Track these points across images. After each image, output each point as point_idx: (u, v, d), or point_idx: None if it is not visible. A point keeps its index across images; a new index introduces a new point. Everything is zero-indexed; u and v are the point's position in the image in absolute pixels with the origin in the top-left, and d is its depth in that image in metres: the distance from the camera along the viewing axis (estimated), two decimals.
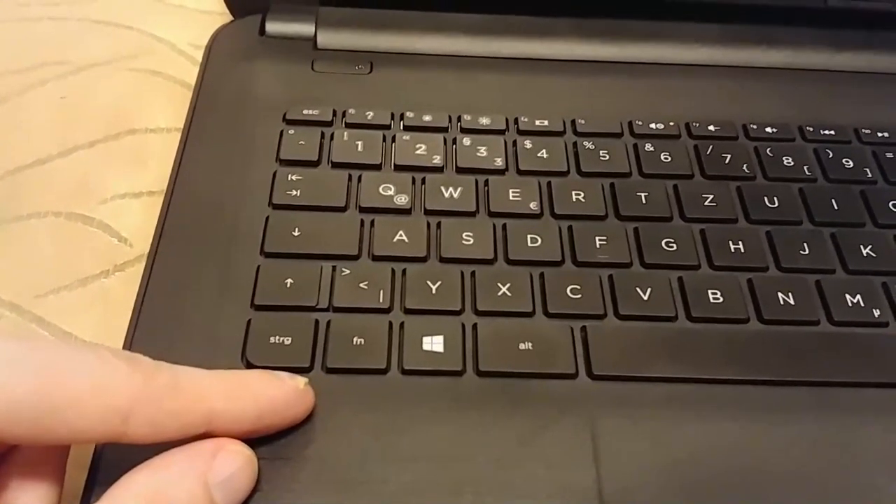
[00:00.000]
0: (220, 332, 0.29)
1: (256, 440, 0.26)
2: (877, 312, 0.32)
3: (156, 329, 0.30)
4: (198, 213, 0.33)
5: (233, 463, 0.24)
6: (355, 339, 0.29)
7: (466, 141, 0.37)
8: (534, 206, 0.34)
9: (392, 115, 0.37)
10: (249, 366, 0.29)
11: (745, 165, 0.36)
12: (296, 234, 0.32)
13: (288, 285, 0.31)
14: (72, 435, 0.23)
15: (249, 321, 0.30)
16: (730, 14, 0.42)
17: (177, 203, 0.34)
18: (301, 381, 0.27)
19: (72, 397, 0.22)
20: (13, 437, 0.22)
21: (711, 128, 0.38)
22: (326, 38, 0.41)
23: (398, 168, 0.35)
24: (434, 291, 0.31)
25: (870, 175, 0.37)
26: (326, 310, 0.30)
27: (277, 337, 0.29)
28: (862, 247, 0.34)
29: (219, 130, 0.37)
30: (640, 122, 0.38)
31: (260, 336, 0.29)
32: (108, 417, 0.22)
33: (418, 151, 0.36)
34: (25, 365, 0.22)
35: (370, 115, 0.37)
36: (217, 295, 0.31)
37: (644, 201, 0.35)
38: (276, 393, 0.26)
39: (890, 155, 0.38)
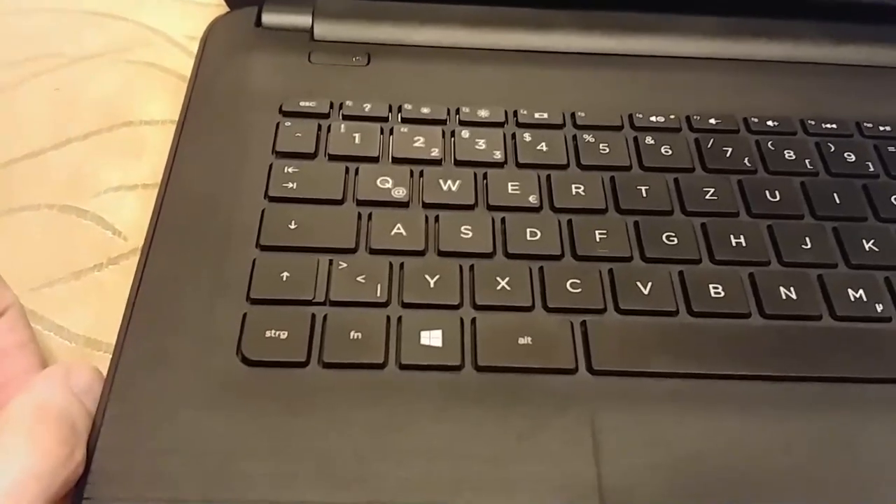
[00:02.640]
0: (215, 326, 0.29)
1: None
2: (879, 307, 0.31)
3: (150, 323, 0.29)
4: (193, 206, 0.33)
5: (87, 374, 0.27)
6: (352, 334, 0.29)
7: (465, 133, 0.36)
8: (533, 199, 0.34)
9: (390, 108, 0.37)
10: (245, 360, 0.28)
11: (746, 159, 0.36)
12: (292, 227, 0.32)
13: (284, 279, 0.30)
14: None
15: (245, 315, 0.29)
16: (731, 6, 0.42)
17: (171, 196, 0.33)
18: None
19: None
20: None
21: (712, 121, 0.38)
22: (323, 30, 0.40)
23: (396, 161, 0.35)
24: (432, 285, 0.31)
25: (872, 169, 0.36)
26: (323, 304, 0.30)
27: (273, 331, 0.29)
28: (864, 241, 0.33)
29: (214, 122, 0.36)
30: (640, 115, 0.37)
31: (256, 330, 0.29)
32: None
33: (416, 144, 0.36)
34: None
35: (368, 107, 0.37)
36: (212, 288, 0.30)
37: (644, 195, 0.34)
38: None
39: (892, 149, 0.37)
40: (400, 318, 0.30)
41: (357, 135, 0.36)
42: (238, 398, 0.27)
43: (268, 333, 0.29)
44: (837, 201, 0.35)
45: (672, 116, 0.38)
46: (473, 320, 0.30)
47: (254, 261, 0.31)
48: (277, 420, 0.27)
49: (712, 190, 0.35)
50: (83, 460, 0.25)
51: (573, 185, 0.34)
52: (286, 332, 0.29)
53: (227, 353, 0.28)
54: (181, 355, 0.28)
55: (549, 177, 0.35)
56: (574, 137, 0.36)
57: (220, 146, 0.35)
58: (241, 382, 0.28)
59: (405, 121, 0.37)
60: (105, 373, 0.28)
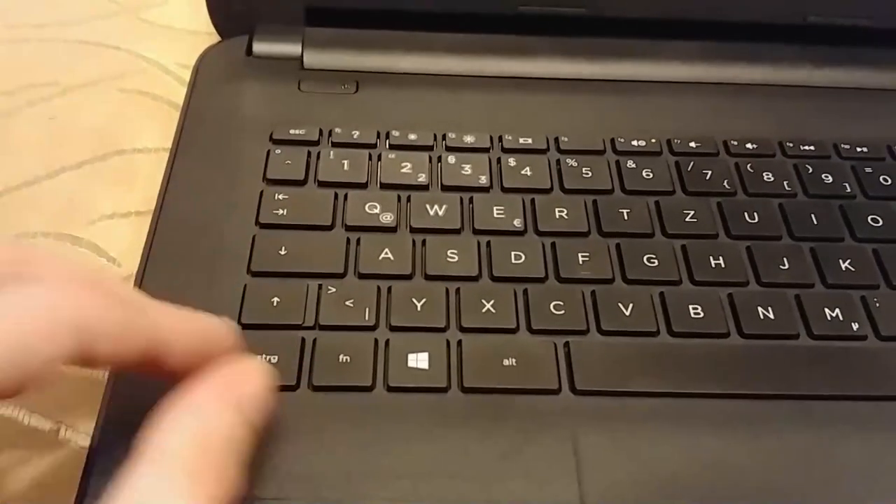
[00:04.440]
0: None
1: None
2: (855, 326, 0.32)
3: None
4: (185, 233, 0.34)
5: (257, 380, 0.25)
6: (341, 357, 0.30)
7: (451, 159, 0.37)
8: (518, 223, 0.35)
9: (378, 134, 0.38)
10: None
11: (725, 181, 0.37)
12: (282, 252, 0.33)
13: (274, 304, 0.31)
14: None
15: None
16: (710, 31, 0.43)
17: (164, 223, 0.34)
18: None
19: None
20: None
21: (692, 144, 0.38)
22: (313, 58, 0.41)
23: (384, 186, 0.36)
24: (419, 308, 0.31)
25: (849, 190, 0.37)
26: (313, 328, 0.31)
27: (264, 356, 0.29)
28: (841, 261, 0.34)
29: (206, 150, 0.37)
30: (622, 140, 0.38)
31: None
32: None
33: (404, 170, 0.36)
34: None
35: (356, 134, 0.38)
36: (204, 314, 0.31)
37: (626, 217, 0.35)
38: (213, 324, 0.26)
39: (869, 169, 0.38)
40: (388, 342, 0.30)
41: (346, 161, 0.36)
42: None
43: (258, 358, 0.29)
44: (815, 222, 0.36)
45: (653, 140, 0.38)
46: (459, 342, 0.31)
47: (245, 286, 0.32)
48: (267, 442, 0.27)
49: (692, 212, 0.35)
50: (242, 483, 0.23)
51: (557, 209, 0.35)
52: (276, 357, 0.29)
53: None
54: None
55: (533, 201, 0.36)
56: (558, 162, 0.37)
57: (212, 174, 0.36)
58: None
59: (393, 147, 0.37)
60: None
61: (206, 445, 0.22)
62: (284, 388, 0.29)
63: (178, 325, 0.25)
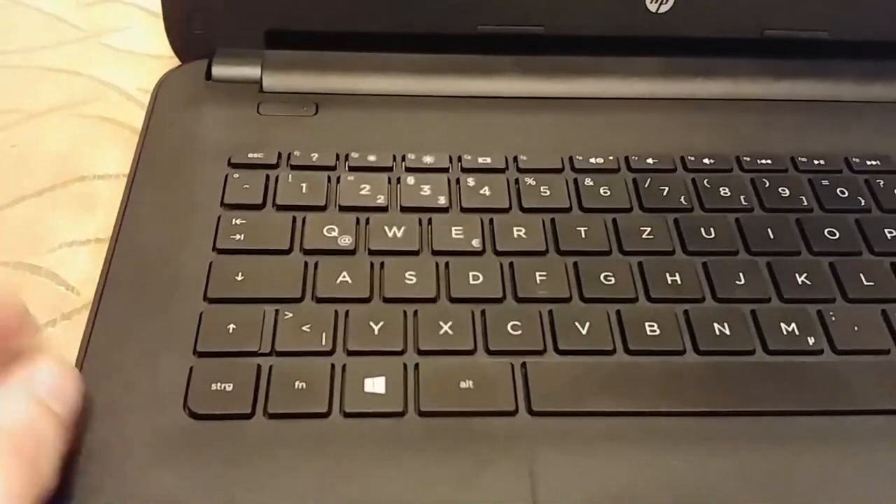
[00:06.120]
0: (162, 381, 0.30)
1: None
2: (811, 340, 0.32)
3: (98, 378, 0.30)
4: (142, 260, 0.33)
5: (51, 372, 0.27)
6: (297, 384, 0.30)
7: (410, 180, 0.37)
8: (476, 243, 0.35)
9: (337, 156, 0.38)
10: (192, 414, 0.29)
11: (682, 197, 0.37)
12: (239, 278, 0.33)
13: (230, 331, 0.31)
14: None
15: (192, 369, 0.30)
16: (668, 47, 0.43)
17: (121, 250, 0.34)
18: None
19: None
20: None
21: (650, 161, 0.39)
22: (272, 81, 0.41)
23: (343, 209, 0.36)
24: (377, 332, 0.31)
25: (805, 203, 0.37)
26: (269, 354, 0.31)
27: (219, 384, 0.29)
28: (797, 275, 0.34)
29: (164, 176, 0.37)
30: (580, 157, 0.38)
31: (202, 384, 0.29)
32: None
33: (363, 192, 0.36)
34: None
35: (315, 156, 0.38)
36: (160, 342, 0.31)
37: (583, 236, 0.35)
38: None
39: (826, 182, 0.38)
40: (344, 366, 0.30)
41: (304, 184, 0.36)
42: (185, 452, 0.28)
43: (213, 386, 0.29)
44: (771, 237, 0.36)
45: (611, 157, 0.39)
46: (416, 365, 0.31)
47: (201, 314, 0.31)
48: (223, 472, 0.27)
49: (649, 229, 0.36)
50: (53, 472, 0.25)
51: (515, 228, 0.35)
52: (231, 385, 0.29)
53: (174, 407, 0.29)
54: (130, 410, 0.29)
55: (491, 220, 0.36)
56: (516, 181, 0.37)
57: (170, 199, 0.36)
58: (189, 436, 0.28)
59: (352, 169, 0.38)
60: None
61: (6, 430, 0.24)
62: (240, 417, 0.29)
63: None
